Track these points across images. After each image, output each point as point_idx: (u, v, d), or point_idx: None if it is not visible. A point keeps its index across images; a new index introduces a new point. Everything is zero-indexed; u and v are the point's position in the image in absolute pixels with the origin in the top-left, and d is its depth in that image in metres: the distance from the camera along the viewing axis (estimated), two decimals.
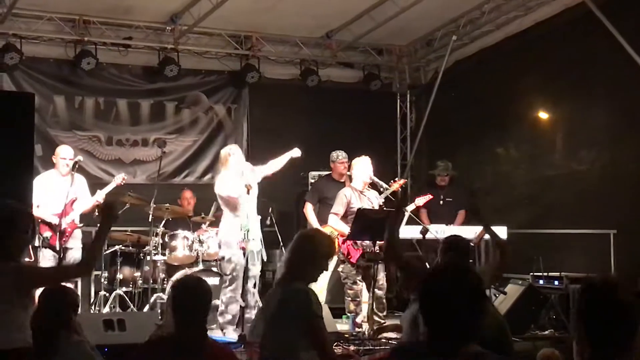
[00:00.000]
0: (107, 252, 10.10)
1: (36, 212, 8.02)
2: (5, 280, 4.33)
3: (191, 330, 4.04)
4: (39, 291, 4.71)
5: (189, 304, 4.10)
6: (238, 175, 8.72)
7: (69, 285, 7.78)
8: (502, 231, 9.80)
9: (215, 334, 8.63)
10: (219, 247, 9.05)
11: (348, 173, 9.81)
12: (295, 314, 4.56)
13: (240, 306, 8.58)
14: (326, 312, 7.67)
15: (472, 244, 9.17)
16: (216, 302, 9.38)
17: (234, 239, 8.70)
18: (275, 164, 9.27)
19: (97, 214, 9.37)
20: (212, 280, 9.57)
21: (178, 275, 9.76)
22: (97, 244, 4.79)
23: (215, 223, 10.06)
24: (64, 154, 9.25)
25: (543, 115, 11.39)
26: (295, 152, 9.42)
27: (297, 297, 4.62)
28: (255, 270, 8.84)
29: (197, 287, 4.21)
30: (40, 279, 4.73)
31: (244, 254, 8.58)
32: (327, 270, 4.99)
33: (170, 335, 4.12)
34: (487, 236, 8.97)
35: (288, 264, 4.82)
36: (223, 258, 8.86)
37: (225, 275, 8.82)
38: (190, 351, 3.97)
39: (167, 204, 10.23)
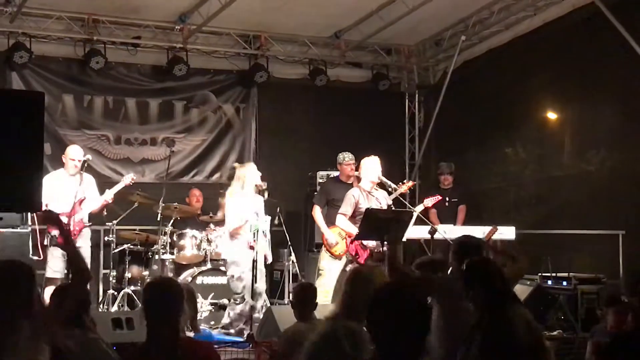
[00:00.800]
0: (116, 250, 10.14)
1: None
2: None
3: (164, 332, 3.99)
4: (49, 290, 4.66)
5: (160, 305, 4.06)
6: (249, 193, 8.84)
7: None
8: (510, 231, 9.82)
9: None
10: (228, 264, 9.08)
11: (356, 173, 9.80)
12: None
13: (251, 306, 8.61)
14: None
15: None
16: (224, 301, 9.44)
17: (239, 257, 8.78)
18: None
19: (104, 213, 9.49)
20: (220, 280, 9.63)
21: (184, 275, 9.80)
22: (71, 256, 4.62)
23: (223, 222, 10.08)
24: (74, 154, 9.26)
25: (552, 115, 11.37)
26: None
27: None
28: (262, 285, 8.94)
29: (168, 289, 4.17)
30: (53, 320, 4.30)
31: (253, 252, 8.63)
32: None
33: (145, 342, 4.07)
34: (496, 236, 9.04)
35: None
36: (232, 276, 8.91)
37: (236, 294, 8.86)
38: (163, 352, 3.93)
39: (176, 203, 10.26)
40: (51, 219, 4.75)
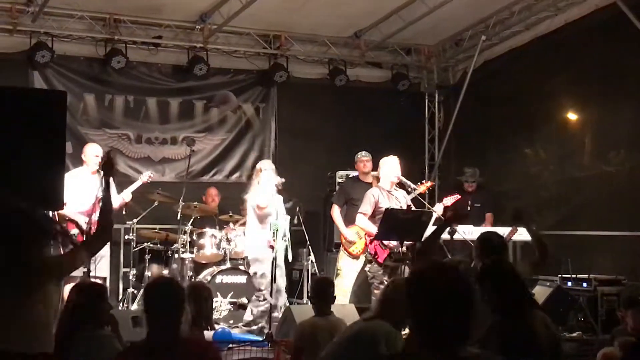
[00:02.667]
0: (136, 249, 10.20)
1: (64, 209, 8.07)
2: (30, 275, 4.14)
3: (163, 332, 3.98)
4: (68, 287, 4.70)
5: (161, 305, 4.04)
6: (269, 188, 8.86)
7: (98, 280, 7.90)
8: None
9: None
10: (251, 261, 9.10)
11: (375, 173, 9.80)
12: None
13: (270, 304, 8.63)
14: (353, 312, 7.68)
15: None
16: (243, 300, 9.46)
17: (263, 255, 8.80)
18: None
19: (124, 212, 9.52)
20: (239, 279, 9.66)
21: (204, 274, 9.83)
22: (104, 204, 4.77)
23: (242, 222, 10.12)
24: (96, 151, 9.30)
25: (572, 116, 11.32)
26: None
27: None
28: (282, 283, 8.97)
29: (169, 288, 4.16)
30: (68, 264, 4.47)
31: (273, 251, 8.65)
32: None
33: (144, 340, 4.05)
34: (516, 237, 9.00)
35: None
36: (255, 274, 8.97)
37: (259, 291, 8.91)
38: (163, 352, 3.92)
39: (196, 202, 10.30)
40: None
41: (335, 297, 6.07)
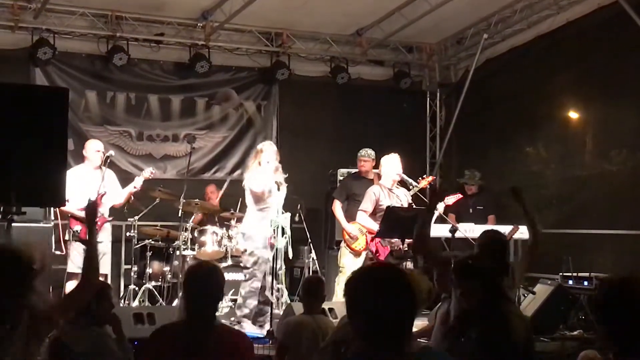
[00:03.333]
0: (137, 246, 10.19)
1: (67, 206, 8.09)
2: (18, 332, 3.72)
3: (200, 316, 4.05)
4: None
5: (200, 290, 4.11)
6: (268, 171, 8.70)
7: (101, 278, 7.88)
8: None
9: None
10: (243, 238, 9.00)
11: (376, 171, 9.80)
12: None
13: (270, 302, 8.62)
14: None
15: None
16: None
17: (256, 232, 8.70)
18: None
19: (130, 200, 9.52)
20: (241, 276, 9.63)
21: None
22: (89, 253, 4.34)
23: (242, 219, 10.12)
24: (97, 146, 9.29)
25: (574, 115, 11.32)
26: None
27: None
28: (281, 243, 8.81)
29: (210, 274, 4.20)
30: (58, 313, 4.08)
31: (272, 249, 8.61)
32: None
33: (181, 321, 4.14)
34: (517, 235, 9.00)
35: None
36: (245, 251, 8.82)
37: (245, 269, 8.81)
38: (198, 336, 3.98)
39: (197, 200, 10.30)
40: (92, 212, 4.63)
41: (325, 296, 6.05)
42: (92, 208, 4.56)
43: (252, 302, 8.68)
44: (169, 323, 4.42)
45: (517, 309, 4.76)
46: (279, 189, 8.65)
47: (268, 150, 8.80)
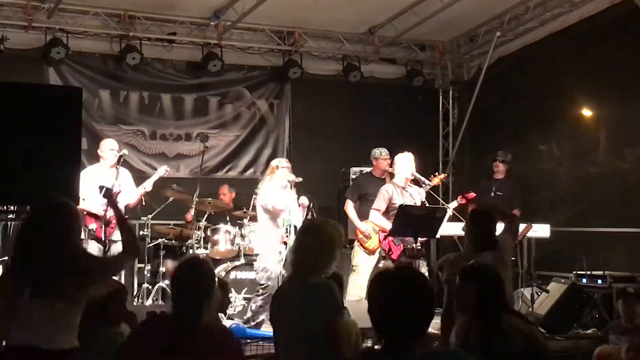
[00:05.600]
0: (150, 245, 10.22)
1: (82, 204, 8.11)
2: (64, 275, 4.30)
3: (187, 312, 3.96)
4: None
5: (187, 285, 4.03)
6: (282, 188, 8.80)
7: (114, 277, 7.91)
8: (545, 229, 9.77)
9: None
10: (258, 257, 9.09)
11: (390, 170, 9.78)
12: (321, 310, 4.39)
13: None
14: (365, 307, 7.65)
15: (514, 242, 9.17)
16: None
17: (270, 249, 8.77)
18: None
19: (143, 203, 9.55)
20: (253, 275, 9.64)
21: (218, 269, 9.85)
22: (124, 229, 4.92)
23: (255, 218, 10.11)
24: (112, 145, 9.31)
25: (586, 112, 11.28)
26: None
27: (320, 292, 4.45)
28: None
29: (197, 269, 4.12)
30: (101, 272, 4.66)
31: (286, 247, 8.64)
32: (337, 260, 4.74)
33: (168, 315, 4.07)
34: (530, 233, 8.98)
35: (300, 257, 4.65)
36: (259, 268, 8.92)
37: (259, 285, 8.88)
38: (184, 332, 3.90)
39: (210, 198, 10.32)
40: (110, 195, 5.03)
41: None
42: (109, 192, 5.19)
43: (261, 317, 8.74)
44: (160, 313, 4.38)
45: (516, 321, 4.50)
46: (291, 187, 8.71)
47: (284, 167, 8.89)
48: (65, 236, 4.38)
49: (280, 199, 8.72)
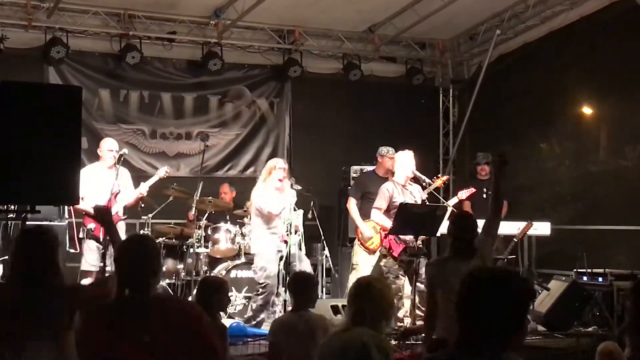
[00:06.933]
0: None
1: (81, 204, 8.10)
2: (59, 302, 4.17)
3: (133, 290, 3.77)
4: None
5: (130, 262, 3.85)
6: (277, 190, 8.84)
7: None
8: (545, 227, 9.75)
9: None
10: (255, 257, 9.12)
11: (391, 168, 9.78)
12: None
13: (285, 300, 8.63)
14: None
15: (514, 240, 9.18)
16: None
17: (266, 248, 8.81)
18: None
19: (141, 205, 9.55)
20: (253, 274, 9.64)
21: (219, 268, 9.86)
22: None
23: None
24: (110, 145, 9.33)
25: (587, 110, 11.27)
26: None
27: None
28: (305, 265, 8.91)
29: (139, 245, 3.98)
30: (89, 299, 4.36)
31: (286, 246, 8.64)
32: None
33: (112, 300, 3.88)
34: (531, 231, 8.96)
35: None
36: (257, 267, 8.95)
37: (258, 284, 8.89)
38: (135, 310, 3.72)
39: (210, 197, 10.31)
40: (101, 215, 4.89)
41: (316, 292, 5.99)
42: (101, 211, 4.91)
43: (261, 316, 8.77)
44: (102, 304, 4.01)
45: None
46: (292, 187, 8.73)
47: (280, 168, 8.90)
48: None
49: (275, 202, 8.75)
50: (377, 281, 4.80)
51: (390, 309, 4.64)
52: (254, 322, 8.73)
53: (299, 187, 9.12)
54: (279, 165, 8.99)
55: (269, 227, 8.87)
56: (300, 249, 8.92)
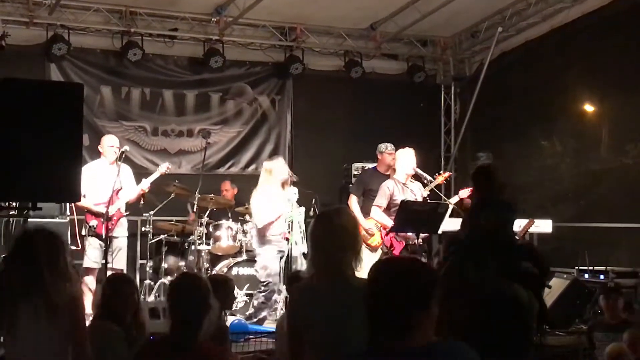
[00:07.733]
0: (153, 241, 10.22)
1: (83, 201, 8.11)
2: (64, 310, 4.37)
3: (184, 331, 3.91)
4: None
5: (183, 303, 3.99)
6: (276, 194, 8.87)
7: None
8: (547, 224, 9.75)
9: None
10: (256, 256, 9.16)
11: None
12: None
13: (286, 298, 8.64)
14: None
15: (516, 237, 9.17)
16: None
17: (266, 248, 8.86)
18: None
19: (142, 202, 9.55)
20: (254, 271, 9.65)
21: (220, 265, 9.85)
22: None
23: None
24: (112, 142, 9.34)
25: (589, 108, 11.27)
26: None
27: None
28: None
29: (193, 287, 4.09)
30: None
31: (287, 243, 8.66)
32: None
33: (165, 336, 4.03)
34: (533, 229, 8.96)
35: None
36: (258, 266, 8.98)
37: (260, 283, 8.92)
38: (181, 351, 3.88)
39: (212, 195, 10.31)
40: None
41: None
42: None
43: (263, 313, 8.78)
44: (155, 338, 4.34)
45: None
46: (290, 184, 8.76)
47: (277, 169, 8.90)
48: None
49: (272, 208, 8.79)
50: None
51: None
52: (255, 320, 8.74)
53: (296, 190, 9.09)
54: (274, 166, 9.03)
55: (270, 231, 8.92)
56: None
